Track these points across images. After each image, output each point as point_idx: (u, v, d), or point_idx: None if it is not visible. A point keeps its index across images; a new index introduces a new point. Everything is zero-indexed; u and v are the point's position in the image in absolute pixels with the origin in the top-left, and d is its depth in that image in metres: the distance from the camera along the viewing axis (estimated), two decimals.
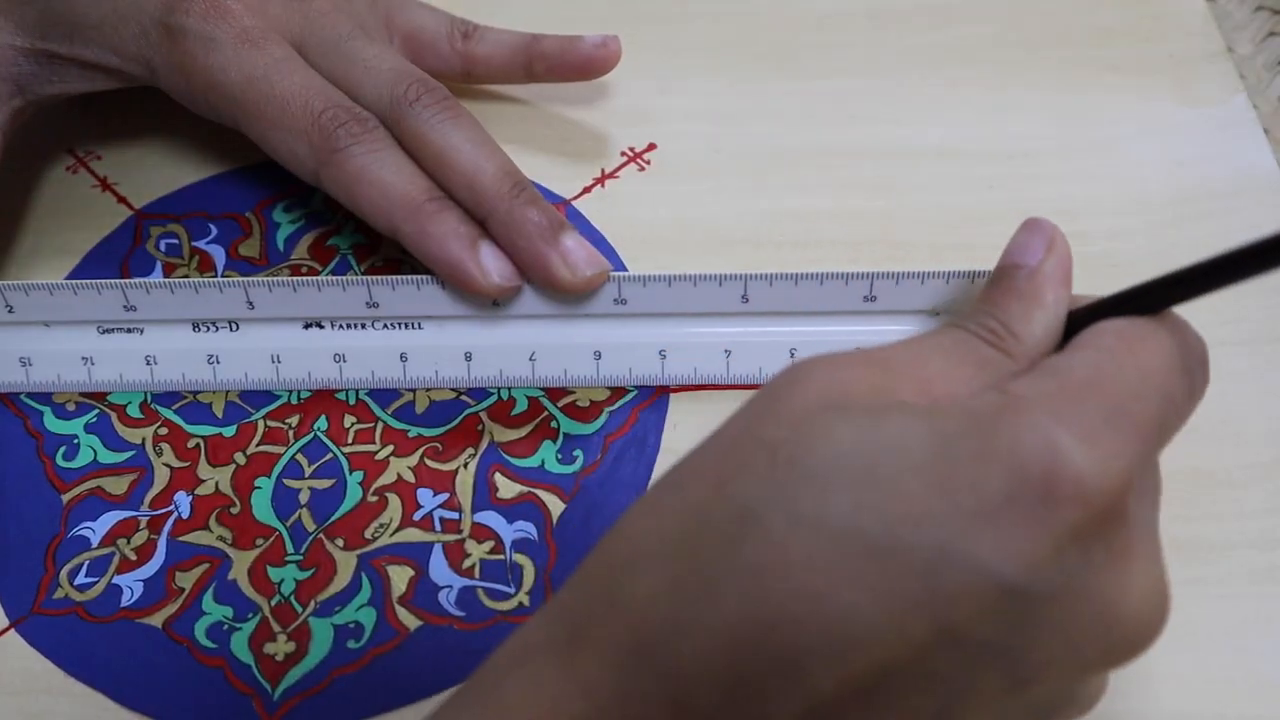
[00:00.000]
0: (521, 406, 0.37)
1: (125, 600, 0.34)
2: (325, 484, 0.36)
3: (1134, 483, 0.21)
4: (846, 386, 0.21)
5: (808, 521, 0.19)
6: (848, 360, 0.22)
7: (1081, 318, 0.24)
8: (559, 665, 0.21)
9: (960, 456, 0.19)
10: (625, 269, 0.40)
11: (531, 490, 0.35)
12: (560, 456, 0.36)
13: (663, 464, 0.36)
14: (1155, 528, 0.23)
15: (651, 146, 0.43)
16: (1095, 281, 0.39)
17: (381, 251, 0.41)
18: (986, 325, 0.24)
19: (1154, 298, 0.23)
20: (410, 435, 0.37)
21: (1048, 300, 0.25)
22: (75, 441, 0.37)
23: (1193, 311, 0.38)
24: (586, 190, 0.42)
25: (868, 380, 0.22)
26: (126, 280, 0.36)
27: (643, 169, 0.42)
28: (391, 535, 0.35)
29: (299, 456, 0.36)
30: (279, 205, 0.42)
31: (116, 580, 0.34)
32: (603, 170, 0.42)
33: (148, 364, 0.37)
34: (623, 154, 0.43)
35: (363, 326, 0.37)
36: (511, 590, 0.34)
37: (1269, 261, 0.20)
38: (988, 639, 0.19)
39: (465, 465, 0.36)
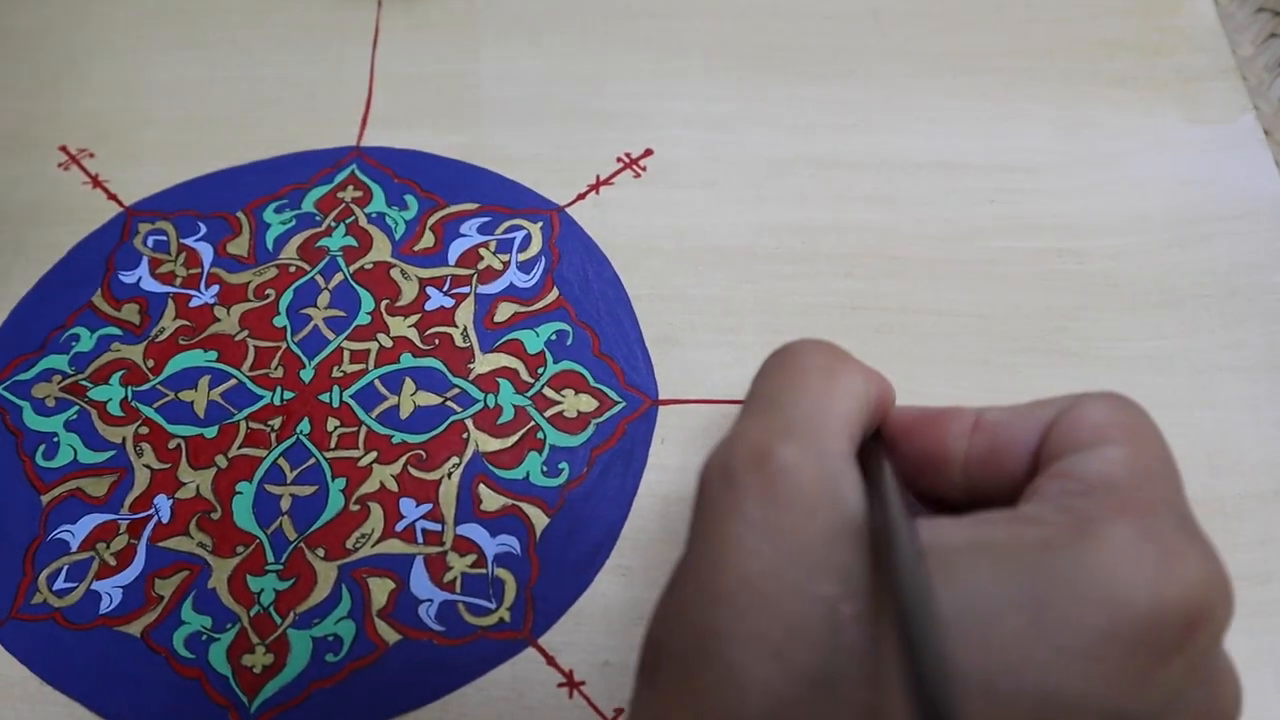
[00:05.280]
0: (508, 415, 0.37)
1: (104, 607, 0.34)
2: (307, 491, 0.35)
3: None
4: (833, 482, 0.20)
5: (899, 681, 0.18)
6: (808, 438, 0.21)
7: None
8: None
9: (1050, 596, 0.18)
10: (619, 279, 0.39)
11: (515, 503, 0.35)
12: (545, 469, 0.35)
13: (650, 480, 0.35)
14: None
15: (648, 152, 0.42)
16: (1095, 300, 0.39)
17: (371, 254, 0.40)
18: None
19: None
20: (394, 441, 0.36)
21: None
22: (55, 440, 0.37)
23: (1193, 336, 0.38)
24: (580, 197, 0.41)
25: (835, 450, 0.21)
26: None
27: (638, 175, 0.42)
28: (373, 546, 0.34)
29: (281, 461, 0.36)
30: (270, 205, 0.41)
31: (95, 586, 0.34)
32: (597, 176, 0.42)
33: None
34: (618, 160, 0.42)
35: None
36: (492, 605, 0.33)
37: None
38: None
39: (449, 475, 0.35)
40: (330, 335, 0.38)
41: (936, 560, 0.19)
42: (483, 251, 0.40)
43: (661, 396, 0.37)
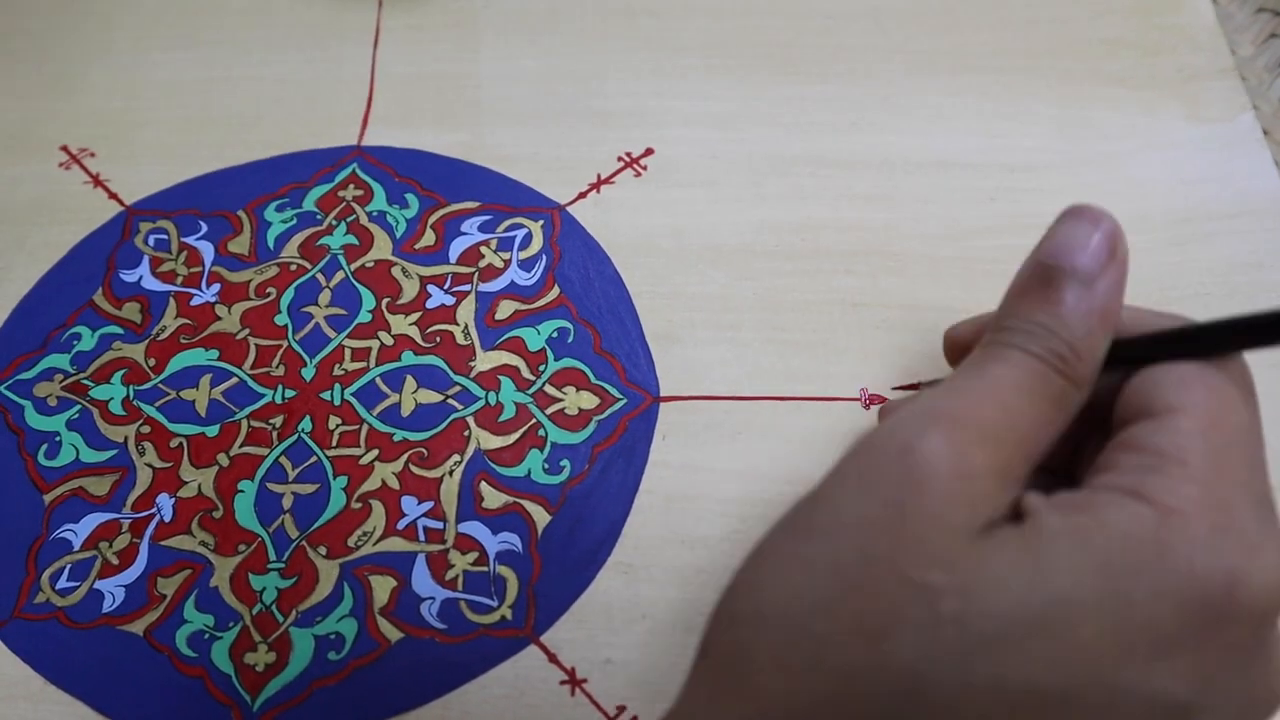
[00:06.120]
0: (509, 413, 0.37)
1: (107, 606, 0.34)
2: (309, 489, 0.35)
3: None
4: (973, 486, 0.19)
5: (981, 685, 0.18)
6: (960, 439, 0.20)
7: (1134, 351, 0.22)
8: None
9: (1130, 595, 0.19)
10: (619, 276, 0.39)
11: (517, 500, 0.35)
12: (547, 466, 0.35)
13: (651, 476, 0.35)
14: None
15: (649, 151, 0.42)
16: None
17: (372, 253, 0.40)
18: (1055, 350, 0.21)
19: (1219, 340, 0.21)
20: (395, 439, 0.36)
21: (1113, 319, 0.22)
22: (57, 439, 0.37)
23: None
24: (581, 196, 0.41)
25: (988, 466, 0.20)
26: None
27: (639, 174, 0.42)
28: (374, 544, 0.34)
29: (283, 459, 0.36)
30: (271, 204, 0.41)
31: (98, 585, 0.34)
32: (598, 175, 0.42)
33: None
34: (619, 159, 0.42)
35: None
36: (494, 603, 0.33)
37: None
38: None
39: (450, 473, 0.36)
40: (331, 333, 0.38)
41: (1036, 542, 0.19)
42: (484, 250, 0.40)
43: (663, 393, 0.37)
